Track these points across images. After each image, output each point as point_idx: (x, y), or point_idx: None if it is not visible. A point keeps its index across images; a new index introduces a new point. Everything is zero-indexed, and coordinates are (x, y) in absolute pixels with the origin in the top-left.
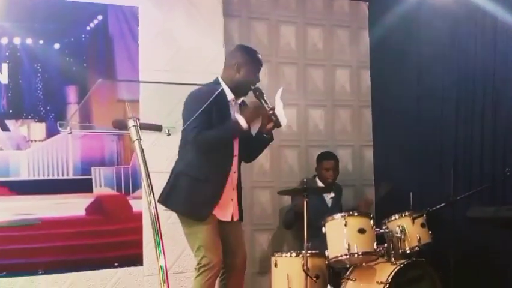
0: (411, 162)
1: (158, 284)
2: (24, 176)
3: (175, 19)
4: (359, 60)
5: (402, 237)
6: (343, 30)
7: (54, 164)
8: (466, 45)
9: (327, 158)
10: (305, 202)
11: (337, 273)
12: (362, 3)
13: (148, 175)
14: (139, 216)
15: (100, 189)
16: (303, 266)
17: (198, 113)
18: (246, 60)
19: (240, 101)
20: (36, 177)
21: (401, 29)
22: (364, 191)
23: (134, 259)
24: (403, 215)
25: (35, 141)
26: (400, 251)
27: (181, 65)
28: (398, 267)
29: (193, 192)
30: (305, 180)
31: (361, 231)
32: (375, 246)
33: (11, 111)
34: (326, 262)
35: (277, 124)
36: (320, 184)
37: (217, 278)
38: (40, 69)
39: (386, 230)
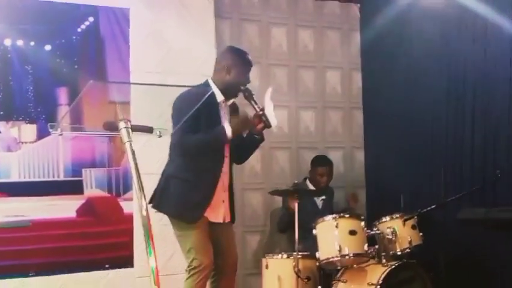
0: (402, 164)
1: (149, 285)
2: (14, 177)
3: (166, 20)
4: (350, 62)
5: (393, 238)
6: (334, 32)
7: (45, 165)
8: (457, 47)
9: (323, 164)
10: (296, 204)
11: (328, 274)
12: (353, 5)
13: (139, 177)
14: (130, 217)
15: (91, 190)
16: (294, 267)
17: (187, 116)
18: (236, 61)
19: (230, 102)
20: (27, 179)
21: (392, 31)
22: (355, 192)
23: (125, 261)
24: (394, 217)
25: (26, 142)
26: (391, 252)
27: (172, 66)
28: (389, 269)
29: (184, 195)
30: (296, 182)
31: (352, 232)
32: (366, 248)
33: (1, 112)
34: (317, 264)
35: (268, 125)
36: (311, 187)
37: (208, 280)
38: (31, 71)
39: (377, 232)
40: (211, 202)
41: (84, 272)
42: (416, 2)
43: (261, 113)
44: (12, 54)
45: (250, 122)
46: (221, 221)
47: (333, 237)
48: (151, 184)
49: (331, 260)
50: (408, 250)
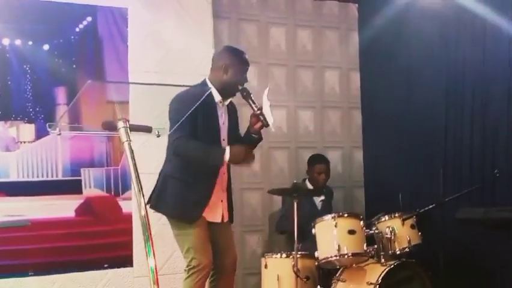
0: (401, 164)
1: (148, 285)
2: (13, 177)
3: (165, 20)
4: (349, 62)
5: (392, 238)
6: (332, 31)
7: (44, 165)
8: (455, 47)
9: (320, 162)
10: (295, 204)
11: (327, 274)
12: (351, 5)
13: (137, 176)
14: (128, 217)
15: (90, 190)
16: (293, 267)
17: (183, 118)
18: (233, 61)
19: (227, 102)
20: (26, 179)
21: (390, 31)
22: (354, 192)
23: (124, 260)
24: (393, 216)
25: (24, 142)
26: (390, 252)
27: (170, 66)
28: (388, 268)
29: (182, 195)
30: (295, 182)
31: (351, 232)
32: (365, 247)
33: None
34: (316, 263)
35: (266, 124)
36: (310, 187)
37: (207, 280)
38: (29, 71)
39: (376, 231)
40: (210, 202)
41: (83, 271)
42: (415, 1)
43: (258, 112)
44: (10, 53)
45: (251, 156)
46: (219, 221)
47: (332, 236)
48: (149, 184)
49: (330, 259)
50: (407, 249)
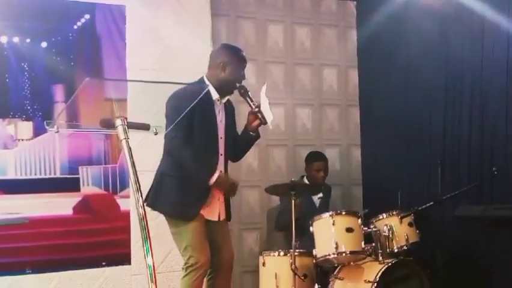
0: (399, 161)
1: (146, 283)
2: (11, 175)
3: (163, 18)
4: (347, 60)
5: (390, 236)
6: (331, 29)
7: (42, 163)
8: (454, 45)
9: (318, 159)
10: (293, 201)
11: (325, 272)
12: (349, 3)
13: (135, 174)
14: (126, 215)
15: (88, 188)
16: (291, 265)
17: (181, 116)
18: (231, 58)
19: (225, 100)
20: (24, 177)
21: (388, 29)
22: (352, 190)
23: (122, 258)
24: (391, 214)
25: (22, 140)
26: (388, 250)
27: (168, 64)
28: (385, 266)
29: (179, 193)
30: (293, 180)
31: (349, 230)
32: (363, 245)
33: None
34: (314, 261)
35: (264, 121)
36: None
37: (205, 278)
38: (27, 68)
39: (374, 229)
40: (207, 200)
41: (81, 269)
42: None
43: (256, 109)
44: (8, 51)
45: (234, 190)
46: (217, 219)
47: (330, 234)
48: (147, 181)
49: (328, 257)
50: (405, 247)
